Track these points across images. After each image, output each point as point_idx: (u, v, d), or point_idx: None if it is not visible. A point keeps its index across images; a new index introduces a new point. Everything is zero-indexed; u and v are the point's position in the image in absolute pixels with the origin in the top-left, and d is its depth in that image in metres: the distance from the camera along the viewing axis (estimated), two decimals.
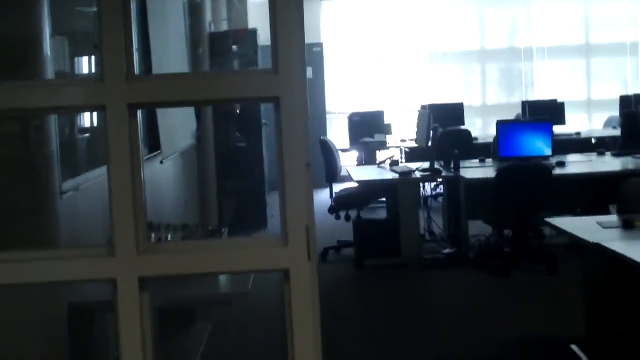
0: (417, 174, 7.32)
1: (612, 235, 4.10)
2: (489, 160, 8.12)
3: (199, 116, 8.75)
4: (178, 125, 7.47)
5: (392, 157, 8.54)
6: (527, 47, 13.95)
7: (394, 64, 13.87)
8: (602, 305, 4.21)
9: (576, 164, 7.55)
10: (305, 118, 2.29)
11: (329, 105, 13.67)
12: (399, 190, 7.25)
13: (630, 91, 13.45)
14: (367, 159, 11.20)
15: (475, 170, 7.53)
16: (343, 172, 8.33)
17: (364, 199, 7.77)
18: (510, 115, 12.68)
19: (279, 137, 2.34)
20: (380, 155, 11.63)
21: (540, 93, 13.88)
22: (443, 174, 7.33)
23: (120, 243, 2.08)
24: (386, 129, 11.49)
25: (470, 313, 5.91)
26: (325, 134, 13.04)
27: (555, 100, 11.68)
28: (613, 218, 4.55)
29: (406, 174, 7.28)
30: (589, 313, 4.42)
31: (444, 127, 11.35)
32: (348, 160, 12.57)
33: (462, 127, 11.26)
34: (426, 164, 7.57)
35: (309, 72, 13.11)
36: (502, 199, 6.63)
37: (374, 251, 7.30)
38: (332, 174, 7.75)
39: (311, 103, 13.21)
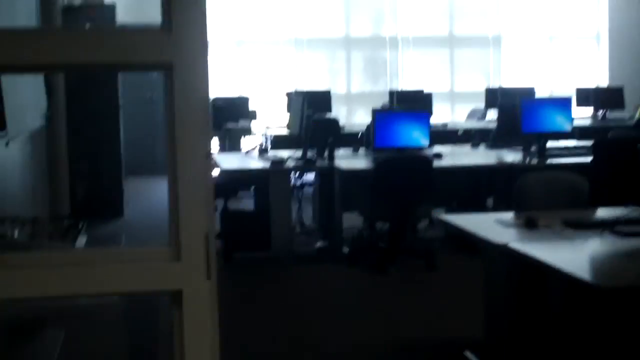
0: (290, 164, 6.86)
1: (516, 235, 3.78)
2: (362, 150, 7.77)
3: (50, 94, 7.99)
4: (27, 103, 6.73)
5: (260, 144, 8.05)
6: (393, 37, 13.77)
7: (258, 49, 13.37)
8: (504, 309, 3.89)
9: (453, 156, 7.30)
10: (206, 92, 1.78)
11: None
12: (270, 180, 6.78)
13: (493, 84, 13.50)
14: (232, 145, 10.68)
15: (350, 160, 7.15)
16: None
17: (231, 189, 7.26)
18: (376, 104, 12.47)
19: (169, 117, 1.82)
20: (245, 142, 11.14)
21: (404, 83, 13.73)
22: (317, 164, 6.91)
23: None
24: (251, 115, 11.01)
25: (345, 313, 5.51)
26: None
27: (422, 91, 11.50)
28: (510, 216, 4.24)
29: (278, 163, 6.82)
30: (490, 316, 4.09)
31: (312, 114, 11.01)
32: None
33: (330, 115, 10.92)
34: (298, 153, 7.14)
35: None
36: (381, 191, 6.28)
37: (243, 244, 6.81)
38: None
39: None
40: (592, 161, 4.08)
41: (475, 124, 11.02)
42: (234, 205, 7.77)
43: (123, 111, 9.51)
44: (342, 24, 13.60)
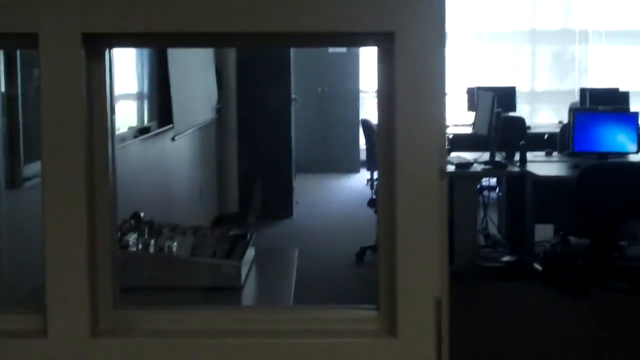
0: (477, 167, 6.16)
1: None
2: (555, 154, 6.97)
3: (221, 86, 7.64)
4: (196, 95, 6.36)
5: None
6: (583, 30, 12.72)
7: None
8: None
9: None
10: (441, 73, 1.17)
11: (364, 85, 12.49)
12: (455, 185, 6.09)
13: None
14: None
15: (543, 165, 6.37)
16: None
17: None
18: (562, 103, 11.52)
19: (382, 104, 1.21)
20: None
21: (594, 80, 12.65)
22: (508, 168, 6.17)
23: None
24: None
25: (542, 337, 4.78)
26: (357, 117, 11.93)
27: (617, 89, 10.46)
28: None
29: (463, 167, 6.13)
30: None
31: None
32: None
33: (514, 113, 10.09)
34: (485, 155, 6.43)
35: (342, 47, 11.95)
36: (584, 203, 5.47)
37: None
38: (374, 160, 6.60)
39: (343, 82, 12.07)
40: None
41: None
42: None
43: (295, 105, 9.10)
44: (528, 16, 12.69)
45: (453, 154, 6.94)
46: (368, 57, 12.34)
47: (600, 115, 6.41)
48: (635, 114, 6.42)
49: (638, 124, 6.38)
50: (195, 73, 6.30)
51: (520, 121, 9.27)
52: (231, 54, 8.03)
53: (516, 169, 6.19)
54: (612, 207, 5.44)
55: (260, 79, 8.37)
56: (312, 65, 11.97)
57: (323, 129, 11.98)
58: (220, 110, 7.70)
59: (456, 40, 12.60)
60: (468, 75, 12.38)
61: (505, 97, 10.25)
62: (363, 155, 11.97)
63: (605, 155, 6.32)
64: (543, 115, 12.71)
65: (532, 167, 6.16)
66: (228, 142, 8.10)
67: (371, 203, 6.56)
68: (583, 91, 10.26)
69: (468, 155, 6.64)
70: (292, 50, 11.07)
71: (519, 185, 6.33)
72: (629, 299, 5.51)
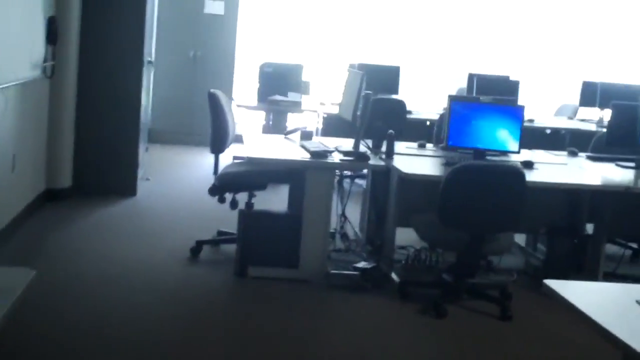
0: (335, 158, 5.26)
1: None
2: (430, 146, 6.15)
3: (55, 40, 6.51)
4: (9, 46, 5.26)
5: (304, 127, 6.45)
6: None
7: (320, 8, 11.73)
8: None
9: (545, 167, 5.61)
10: None
11: (240, 52, 11.45)
12: (307, 177, 5.20)
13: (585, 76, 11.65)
14: (276, 122, 9.11)
15: (413, 160, 5.53)
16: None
17: (259, 182, 5.69)
18: (453, 87, 10.76)
19: None
20: (292, 120, 9.57)
21: (485, 66, 11.96)
22: (371, 161, 5.29)
23: None
24: (303, 88, 9.41)
25: None
26: (231, 87, 10.90)
27: (507, 78, 9.77)
28: None
29: (319, 155, 5.22)
30: None
31: (374, 93, 9.37)
32: (254, 123, 10.50)
33: (395, 96, 9.28)
34: (349, 143, 5.55)
35: (220, 6, 10.88)
36: (450, 210, 4.65)
37: (264, 257, 5.25)
38: (218, 141, 5.62)
39: (219, 47, 11.01)
40: None
41: (567, 124, 9.26)
42: (263, 202, 6.20)
43: (149, 68, 8.03)
44: None
45: (316, 138, 6.06)
46: (247, 20, 11.32)
47: (480, 107, 5.60)
48: (521, 107, 5.64)
49: (522, 119, 5.61)
50: (6, 19, 5.19)
51: (397, 105, 8.47)
52: (74, 2, 6.90)
53: (380, 162, 5.32)
54: (481, 217, 4.63)
55: (109, 35, 7.27)
56: (186, 26, 10.89)
57: (189, 97, 10.91)
58: (53, 69, 6.57)
59: (339, 8, 11.69)
60: (353, 51, 11.52)
61: (387, 77, 9.46)
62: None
63: (482, 152, 5.53)
64: (435, 101, 11.97)
65: (398, 161, 5.31)
66: (62, 107, 6.97)
67: (212, 191, 5.60)
68: (471, 77, 9.53)
69: (333, 142, 5.76)
70: (160, 8, 10.00)
71: (385, 180, 5.49)
72: (494, 324, 4.72)
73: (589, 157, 6.25)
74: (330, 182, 5.25)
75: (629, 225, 5.57)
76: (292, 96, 9.04)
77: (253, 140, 5.93)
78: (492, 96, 8.83)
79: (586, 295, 2.64)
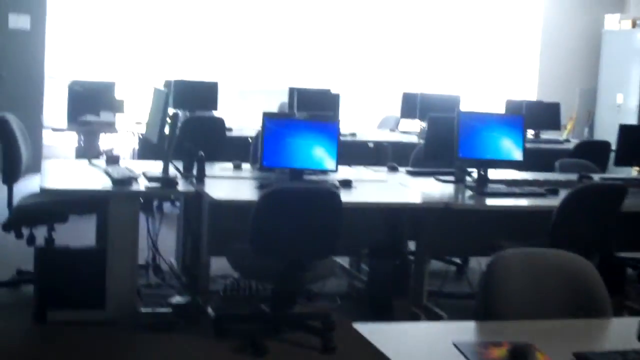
0: (141, 184, 4.83)
1: None
2: (247, 167, 5.82)
3: None
4: None
5: (110, 149, 5.98)
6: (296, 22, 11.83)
7: (136, 23, 11.23)
8: None
9: (365, 186, 5.40)
10: None
11: (51, 70, 10.77)
12: (111, 207, 4.75)
13: (409, 88, 11.70)
14: (88, 145, 8.55)
15: (226, 184, 5.19)
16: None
17: (59, 213, 5.18)
18: (275, 103, 10.51)
19: None
20: (106, 141, 9.02)
21: (308, 79, 11.81)
22: (180, 187, 4.89)
23: None
24: (117, 106, 8.87)
25: None
26: (40, 108, 10.22)
27: (328, 91, 9.59)
28: (471, 330, 2.37)
29: (122, 183, 4.77)
30: None
31: (192, 111, 8.99)
32: (64, 147, 9.90)
33: (215, 113, 8.94)
34: (160, 166, 5.14)
35: (26, 21, 10.18)
36: (262, 237, 4.33)
37: (66, 298, 4.75)
38: (11, 170, 5.08)
39: (26, 66, 10.29)
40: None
41: (389, 137, 9.18)
42: (67, 236, 5.66)
43: None
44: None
45: (126, 163, 5.60)
46: (55, 38, 10.66)
47: (294, 123, 5.32)
48: (335, 124, 5.40)
49: (339, 135, 5.38)
50: None
51: (216, 123, 8.12)
52: None
53: (190, 188, 4.94)
54: (295, 243, 4.34)
55: None
56: None
57: None
58: None
59: (156, 26, 11.23)
60: (170, 66, 11.09)
61: (206, 93, 9.10)
62: (46, 152, 10.31)
63: (299, 172, 5.25)
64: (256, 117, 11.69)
65: (210, 186, 4.94)
66: None
67: (6, 226, 5.05)
68: (291, 91, 9.30)
69: (147, 166, 5.32)
70: None
71: (198, 206, 5.12)
72: (317, 358, 4.44)
73: (408, 172, 6.11)
74: (135, 211, 4.81)
75: (451, 242, 5.44)
76: (104, 116, 8.51)
77: (51, 167, 5.41)
78: (310, 112, 8.72)
79: (399, 338, 2.38)
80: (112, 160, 5.59)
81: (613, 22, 11.99)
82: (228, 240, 4.81)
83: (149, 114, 5.50)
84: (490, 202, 5.19)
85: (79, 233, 6.23)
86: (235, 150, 7.80)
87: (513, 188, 5.49)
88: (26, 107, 10.01)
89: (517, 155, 5.61)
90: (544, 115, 9.58)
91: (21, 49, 10.20)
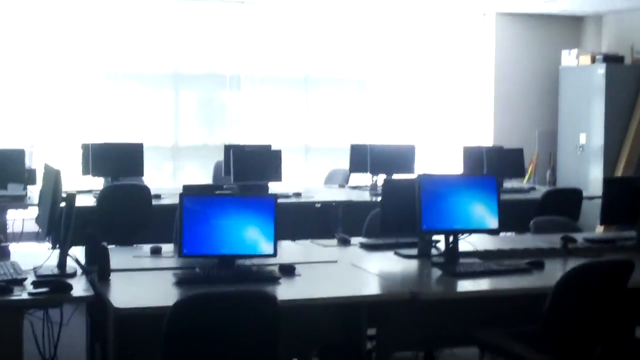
0: (27, 288, 3.77)
1: None
2: (169, 250, 4.80)
3: None
4: None
5: None
6: (234, 75, 10.88)
7: (53, 81, 10.18)
8: None
9: (312, 271, 4.41)
10: None
11: None
12: None
13: (356, 137, 10.81)
14: None
15: (138, 280, 4.17)
16: None
17: None
18: (211, 161, 9.53)
19: None
20: (15, 219, 7.94)
21: (246, 133, 10.87)
22: (75, 290, 3.82)
23: None
24: (28, 177, 7.74)
25: None
26: None
27: (269, 147, 8.65)
28: None
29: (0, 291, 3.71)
30: None
31: (115, 178, 7.94)
32: None
33: (139, 180, 7.93)
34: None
35: None
36: (176, 357, 3.31)
37: None
38: None
39: None
40: None
41: (338, 195, 8.20)
42: None
43: None
44: (169, 57, 10.60)
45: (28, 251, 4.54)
46: None
47: (221, 202, 4.32)
48: (271, 198, 4.41)
49: (276, 214, 4.37)
50: None
51: (140, 192, 7.11)
52: None
53: (89, 290, 3.88)
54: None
55: None
56: None
57: None
58: None
59: (83, 79, 10.21)
60: (88, 128, 10.06)
61: (129, 155, 8.08)
62: None
63: (229, 259, 4.24)
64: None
65: (116, 284, 3.91)
66: None
67: None
68: (227, 148, 8.34)
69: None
70: None
71: (102, 310, 4.06)
72: None
73: (362, 246, 5.15)
74: (17, 327, 3.75)
75: (417, 332, 4.46)
76: (12, 188, 7.42)
77: None
78: (248, 173, 7.75)
79: None
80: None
81: (570, 58, 11.26)
82: (141, 355, 3.79)
83: (39, 198, 4.47)
84: (465, 285, 4.25)
85: None
86: (163, 222, 6.80)
87: (489, 263, 4.56)
88: None
89: (492, 222, 4.70)
90: (506, 162, 8.73)
91: None
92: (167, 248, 4.88)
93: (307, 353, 4.50)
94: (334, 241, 5.37)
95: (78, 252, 4.48)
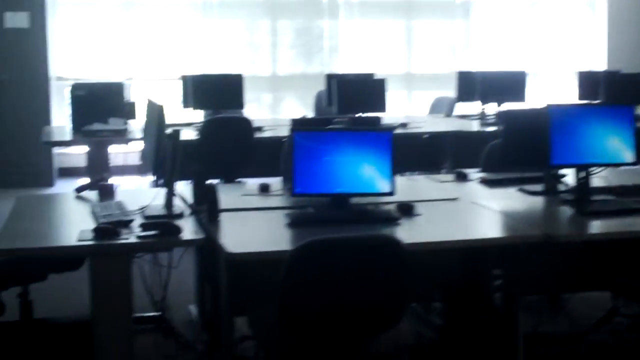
0: (134, 231, 3.59)
1: None
2: (277, 187, 4.57)
3: None
4: None
5: (102, 177, 4.76)
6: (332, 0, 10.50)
7: (149, 13, 9.99)
8: None
9: (431, 210, 4.11)
10: None
11: (58, 69, 9.62)
12: (90, 266, 3.53)
13: (460, 63, 10.37)
14: (96, 159, 7.31)
15: (248, 220, 3.94)
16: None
17: (34, 273, 3.97)
18: (311, 91, 9.26)
19: None
20: (117, 153, 7.85)
21: (346, 62, 10.52)
22: (185, 233, 3.62)
23: None
24: (127, 111, 7.61)
25: None
26: (48, 116, 9.07)
27: (372, 75, 8.32)
28: None
29: (104, 234, 3.52)
30: None
31: (215, 110, 7.72)
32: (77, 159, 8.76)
33: (239, 112, 7.71)
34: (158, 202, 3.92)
35: (24, 18, 9.01)
36: (293, 306, 3.08)
37: None
38: None
39: (28, 68, 9.14)
40: None
41: (446, 125, 7.82)
42: (46, 297, 4.43)
43: None
44: None
45: (121, 196, 4.37)
46: (59, 35, 9.48)
47: (335, 137, 4.03)
48: (388, 134, 4.10)
49: (393, 149, 4.07)
50: None
51: (241, 125, 6.90)
52: None
53: (199, 234, 3.68)
54: (343, 316, 3.07)
55: None
56: None
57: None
58: None
59: (177, 10, 10.00)
60: (189, 59, 9.88)
61: (228, 86, 7.83)
62: (59, 164, 9.20)
63: (343, 199, 3.98)
64: (289, 106, 10.45)
65: (226, 227, 3.70)
66: None
67: None
68: (329, 78, 8.05)
69: (153, 194, 4.12)
70: None
71: (212, 254, 3.86)
72: None
73: (483, 181, 4.80)
74: (126, 272, 3.57)
75: (549, 275, 4.12)
76: (113, 123, 7.28)
77: (18, 208, 4.15)
78: (351, 105, 7.45)
79: None
80: (105, 192, 4.39)
81: None
82: (253, 298, 3.58)
83: (143, 134, 4.26)
84: (600, 226, 3.87)
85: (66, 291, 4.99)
86: (266, 155, 6.62)
87: (626, 201, 4.16)
88: (33, 116, 8.91)
89: (628, 156, 4.28)
90: (628, 88, 8.14)
91: (21, 50, 9.04)
92: (275, 185, 4.64)
93: (428, 297, 4.23)
94: (450, 176, 5.04)
95: (184, 189, 4.28)
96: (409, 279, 3.13)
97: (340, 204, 3.96)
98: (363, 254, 3.07)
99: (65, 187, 8.60)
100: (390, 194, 3.99)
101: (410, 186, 4.70)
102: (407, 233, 3.63)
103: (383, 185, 3.97)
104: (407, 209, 3.97)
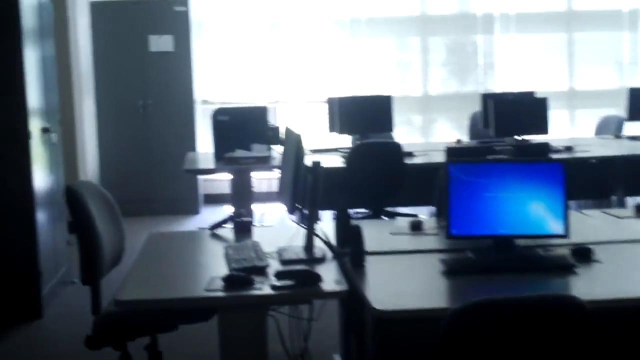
0: (269, 280, 3.17)
1: None
2: (430, 224, 4.06)
3: None
4: None
5: (239, 212, 4.39)
6: (487, 14, 9.91)
7: (295, 34, 9.71)
8: None
9: (612, 256, 3.48)
10: None
11: (204, 93, 9.48)
12: (219, 319, 3.13)
13: (625, 79, 9.54)
14: (240, 187, 7.02)
15: (398, 266, 3.45)
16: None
17: (163, 323, 3.62)
18: (464, 112, 8.70)
19: None
20: (261, 179, 7.54)
21: (501, 80, 9.88)
22: (325, 283, 3.16)
23: None
24: (272, 137, 7.28)
25: None
26: (193, 142, 8.91)
27: (532, 94, 7.69)
28: None
29: (235, 285, 3.10)
30: None
31: (363, 135, 7.31)
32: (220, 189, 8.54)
33: (388, 136, 7.25)
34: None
35: (168, 41, 8.90)
36: None
37: None
38: (91, 265, 3.56)
39: (173, 93, 9.02)
40: None
41: (618, 149, 7.06)
42: (178, 347, 4.09)
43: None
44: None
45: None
46: (203, 58, 9.33)
47: (496, 169, 3.49)
48: (559, 165, 3.52)
49: (565, 183, 3.49)
50: None
51: (390, 151, 6.43)
52: None
53: (340, 284, 3.22)
54: None
55: None
56: (128, 69, 8.92)
57: (143, 158, 8.95)
58: None
59: (321, 30, 9.67)
60: (336, 79, 9.51)
61: (376, 109, 7.39)
62: (204, 190, 9.02)
63: (508, 242, 3.43)
64: (441, 130, 9.90)
65: (372, 273, 3.22)
66: None
67: (90, 341, 3.55)
68: (485, 97, 7.48)
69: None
70: (93, 46, 8.20)
71: (357, 306, 3.39)
72: None
73: None
74: (257, 326, 3.15)
75: None
76: (256, 149, 6.97)
77: (146, 252, 3.81)
78: (512, 128, 6.85)
79: None
80: (241, 229, 4.02)
81: None
82: (405, 353, 3.09)
83: (281, 163, 3.87)
84: None
85: (197, 341, 4.64)
86: (417, 183, 6.14)
87: None
88: (177, 139, 8.78)
89: None
90: None
91: (166, 74, 8.93)
92: (428, 222, 4.13)
93: None
94: (628, 210, 4.39)
95: (327, 225, 3.85)
96: (595, 349, 2.55)
97: (504, 247, 3.42)
98: (537, 316, 2.51)
99: (210, 215, 8.40)
100: (564, 236, 3.41)
101: (582, 222, 4.09)
102: (587, 286, 3.04)
103: (555, 226, 3.40)
104: (584, 254, 3.37)
